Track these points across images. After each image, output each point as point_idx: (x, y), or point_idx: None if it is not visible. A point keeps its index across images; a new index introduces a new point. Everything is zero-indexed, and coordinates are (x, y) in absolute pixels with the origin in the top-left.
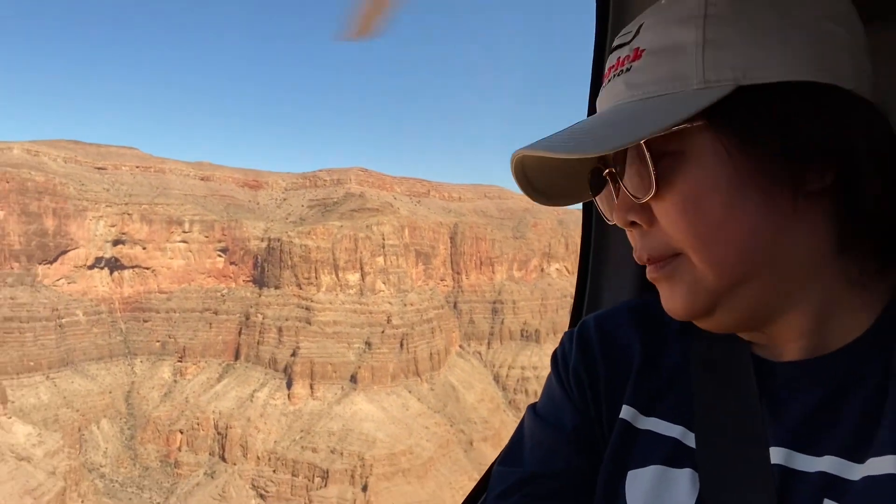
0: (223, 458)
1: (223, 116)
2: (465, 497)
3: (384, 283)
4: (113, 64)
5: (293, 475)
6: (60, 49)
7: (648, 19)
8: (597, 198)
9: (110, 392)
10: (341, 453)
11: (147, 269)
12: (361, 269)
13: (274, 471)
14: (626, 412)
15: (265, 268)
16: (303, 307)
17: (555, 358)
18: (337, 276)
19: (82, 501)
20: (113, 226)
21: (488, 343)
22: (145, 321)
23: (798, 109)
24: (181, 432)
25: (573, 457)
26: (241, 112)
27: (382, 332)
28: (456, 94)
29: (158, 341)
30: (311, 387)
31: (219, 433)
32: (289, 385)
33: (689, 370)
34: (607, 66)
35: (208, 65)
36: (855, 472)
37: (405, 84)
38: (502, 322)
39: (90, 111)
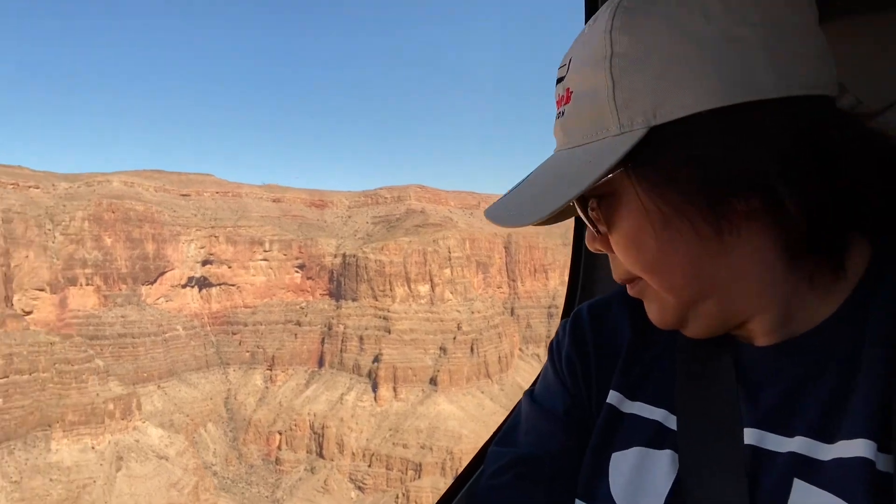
0: (321, 455)
1: (286, 140)
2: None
3: (451, 292)
4: (186, 93)
5: (388, 469)
6: (139, 82)
7: (574, 54)
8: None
9: (211, 398)
10: (431, 448)
11: (232, 285)
12: (431, 280)
13: (369, 465)
14: (612, 397)
15: (341, 282)
16: (380, 317)
17: (551, 347)
18: (409, 287)
19: (208, 496)
20: (202, 247)
21: (546, 346)
22: (234, 333)
23: (709, 141)
24: (280, 433)
25: (565, 439)
26: (302, 135)
27: (454, 338)
28: (498, 107)
29: (248, 352)
30: (395, 389)
31: (315, 433)
32: (374, 388)
33: (673, 355)
34: (556, 96)
35: (270, 92)
36: (825, 452)
37: (452, 102)
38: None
39: (169, 141)
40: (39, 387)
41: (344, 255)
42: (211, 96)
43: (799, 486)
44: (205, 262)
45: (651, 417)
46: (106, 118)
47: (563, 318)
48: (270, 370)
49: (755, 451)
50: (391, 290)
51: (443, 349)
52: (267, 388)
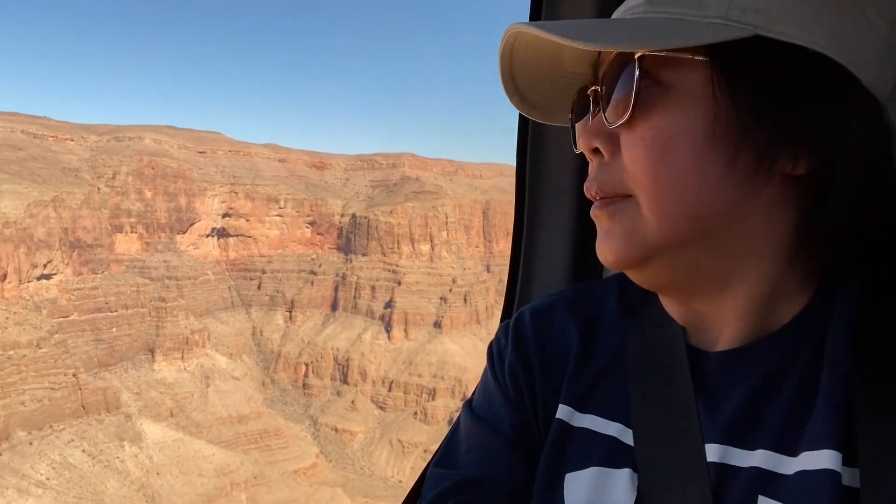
0: (345, 382)
1: (288, 100)
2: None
3: (447, 252)
4: (196, 51)
5: (405, 393)
6: (150, 37)
7: None
8: (575, 125)
9: (241, 334)
10: (442, 377)
11: (249, 237)
12: (431, 241)
13: (389, 390)
14: (562, 411)
15: (351, 238)
16: (389, 270)
17: (490, 352)
18: (413, 246)
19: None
20: (223, 202)
21: None
22: (251, 279)
23: (804, 81)
24: (306, 364)
25: (512, 459)
26: (304, 96)
27: (450, 290)
28: (474, 80)
29: (267, 295)
30: (406, 331)
31: (338, 364)
32: (388, 330)
33: (624, 363)
34: None
35: (272, 52)
36: (788, 465)
37: (438, 74)
38: None
39: (178, 96)
40: (140, 319)
41: (354, 216)
42: (216, 53)
43: (764, 503)
44: (224, 215)
45: (605, 432)
46: (115, 70)
47: (502, 319)
48: (290, 311)
49: (719, 467)
50: (398, 247)
51: (443, 299)
52: (288, 326)
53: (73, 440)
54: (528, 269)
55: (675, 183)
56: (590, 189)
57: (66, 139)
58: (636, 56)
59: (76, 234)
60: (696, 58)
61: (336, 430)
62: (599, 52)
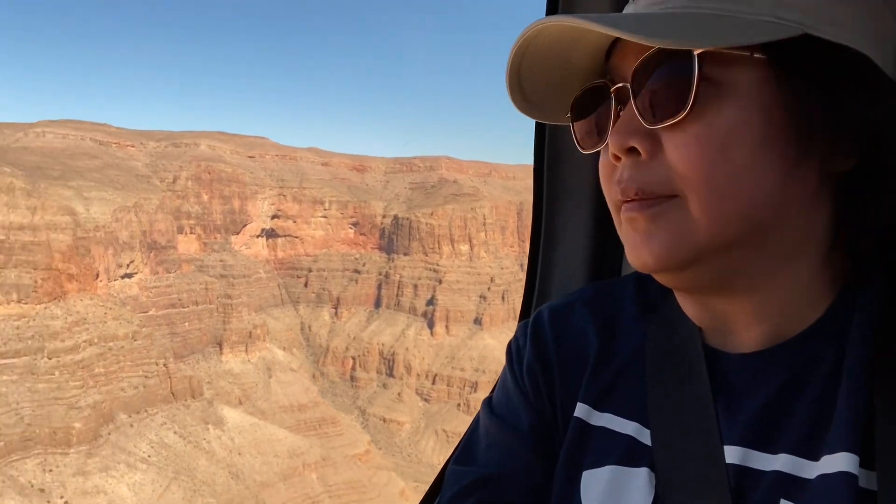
0: (391, 375)
1: (328, 106)
2: (425, 491)
3: (485, 252)
4: (244, 56)
5: (448, 385)
6: (201, 46)
7: None
8: (577, 123)
9: (290, 329)
10: (483, 371)
11: (296, 237)
12: (470, 241)
13: (433, 383)
14: (580, 410)
15: (393, 239)
16: (430, 269)
17: (509, 351)
18: (453, 246)
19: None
20: (272, 204)
21: None
22: (298, 277)
23: (853, 80)
24: (353, 358)
25: (530, 458)
26: (341, 101)
27: (489, 288)
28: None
29: (314, 292)
30: (447, 327)
31: (384, 358)
32: (430, 326)
33: (643, 362)
34: None
35: (312, 59)
36: (810, 470)
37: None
38: None
39: (230, 103)
40: (209, 314)
41: (395, 217)
42: (260, 59)
43: None
44: (273, 217)
45: (623, 431)
46: (168, 77)
47: (520, 319)
48: (335, 308)
49: (739, 470)
50: (439, 247)
51: (482, 297)
52: (334, 322)
53: (165, 423)
54: (546, 268)
55: (730, 182)
56: (627, 190)
57: (128, 145)
58: (696, 53)
59: (152, 237)
60: (755, 55)
61: (384, 420)
62: (614, 49)
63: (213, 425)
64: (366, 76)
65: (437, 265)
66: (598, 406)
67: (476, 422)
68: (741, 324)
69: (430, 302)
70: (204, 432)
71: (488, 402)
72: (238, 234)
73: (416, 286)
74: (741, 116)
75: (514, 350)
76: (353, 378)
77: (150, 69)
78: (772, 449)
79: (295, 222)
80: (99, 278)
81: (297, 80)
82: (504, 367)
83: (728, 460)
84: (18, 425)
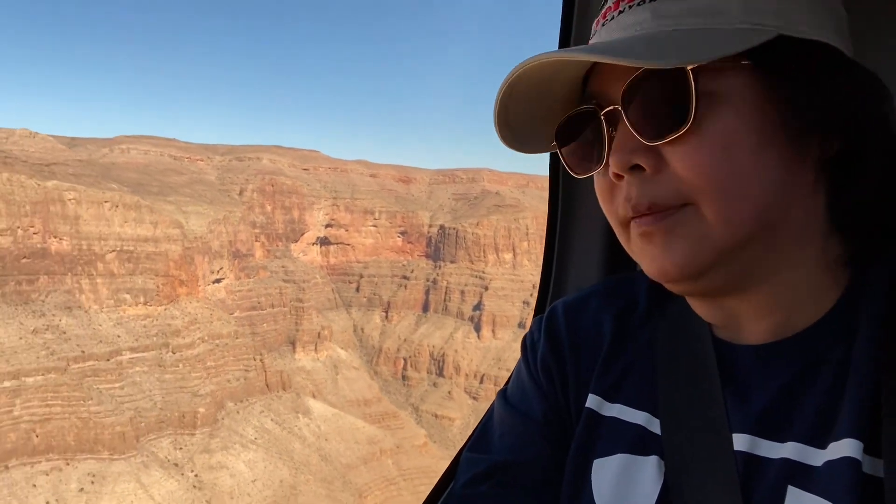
0: (440, 375)
1: (374, 118)
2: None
3: (528, 260)
4: (299, 73)
5: (496, 385)
6: (259, 61)
7: None
8: (564, 149)
9: (344, 331)
10: None
11: (347, 244)
12: (513, 250)
13: (480, 382)
14: (591, 401)
15: (440, 247)
16: (476, 276)
17: (524, 345)
18: (497, 255)
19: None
20: (327, 214)
21: None
22: (350, 282)
23: (830, 72)
24: (404, 359)
25: (543, 446)
26: (384, 113)
27: (531, 294)
28: None
29: (365, 297)
30: (493, 331)
31: (433, 359)
32: (477, 330)
33: (653, 354)
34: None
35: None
36: (818, 457)
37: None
38: None
39: (285, 118)
40: (283, 316)
41: (442, 227)
42: (312, 76)
43: (793, 493)
44: (327, 226)
45: (633, 421)
46: (228, 92)
47: (535, 314)
48: (386, 312)
49: (747, 457)
50: (484, 256)
51: (526, 302)
52: (385, 325)
53: (263, 411)
54: (561, 266)
55: (738, 183)
56: (639, 206)
57: (198, 160)
58: (689, 69)
59: (236, 246)
60: (742, 62)
61: (436, 416)
62: (592, 76)
63: (301, 414)
64: (408, 90)
65: (483, 273)
66: (609, 397)
67: (491, 412)
68: (750, 318)
69: (477, 307)
70: (295, 420)
71: (503, 393)
72: (297, 241)
73: (462, 292)
74: (737, 121)
75: (528, 343)
76: (404, 377)
77: (212, 84)
78: (780, 437)
79: (347, 231)
80: (198, 283)
81: (346, 94)
82: (519, 360)
83: (736, 448)
84: (153, 409)
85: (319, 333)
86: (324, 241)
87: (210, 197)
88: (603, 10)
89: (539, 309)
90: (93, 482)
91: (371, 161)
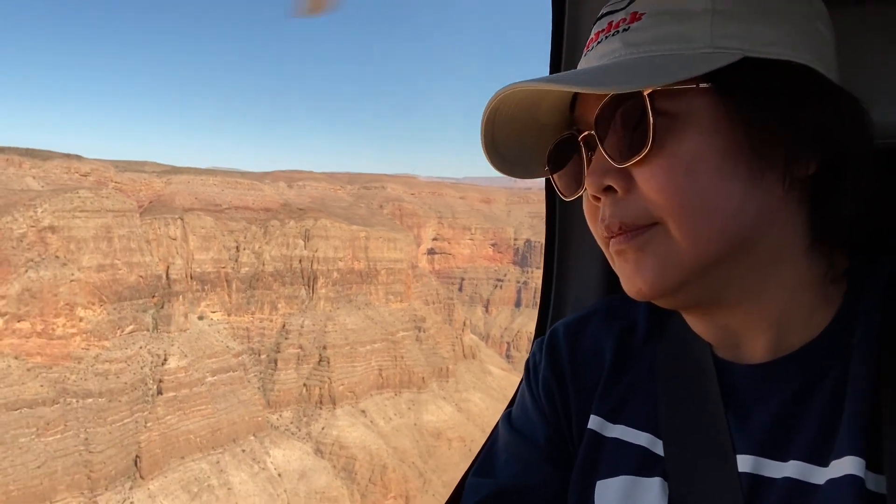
0: None
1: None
2: None
3: None
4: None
5: None
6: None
7: None
8: (556, 174)
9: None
10: None
11: (449, 254)
12: None
13: None
14: (593, 422)
15: (527, 256)
16: None
17: (527, 368)
18: None
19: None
20: (434, 230)
21: None
22: (453, 284)
23: (799, 91)
24: (507, 343)
25: (547, 471)
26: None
27: None
28: None
29: (468, 296)
30: None
31: (530, 342)
32: None
33: (655, 375)
34: (594, 31)
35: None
36: (820, 475)
37: None
38: None
39: (361, 145)
40: (436, 311)
41: (528, 240)
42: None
43: None
44: (434, 239)
45: (636, 442)
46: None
47: (536, 336)
48: (486, 307)
49: (751, 478)
50: None
51: None
52: (486, 317)
53: (468, 371)
54: (560, 285)
55: (703, 202)
56: (612, 226)
57: (337, 189)
58: (646, 93)
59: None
60: (701, 85)
61: None
62: (576, 102)
63: (488, 375)
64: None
65: None
66: (612, 418)
67: (495, 435)
68: (746, 334)
69: None
70: (488, 377)
71: (507, 417)
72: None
73: None
74: (700, 141)
75: (531, 366)
76: (509, 357)
77: (326, 118)
78: (782, 456)
79: (449, 243)
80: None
81: (437, 117)
82: (521, 383)
83: (741, 469)
84: (442, 362)
85: (464, 322)
86: (431, 252)
87: (390, 224)
88: (588, 42)
89: (540, 331)
90: (409, 408)
91: (452, 181)
